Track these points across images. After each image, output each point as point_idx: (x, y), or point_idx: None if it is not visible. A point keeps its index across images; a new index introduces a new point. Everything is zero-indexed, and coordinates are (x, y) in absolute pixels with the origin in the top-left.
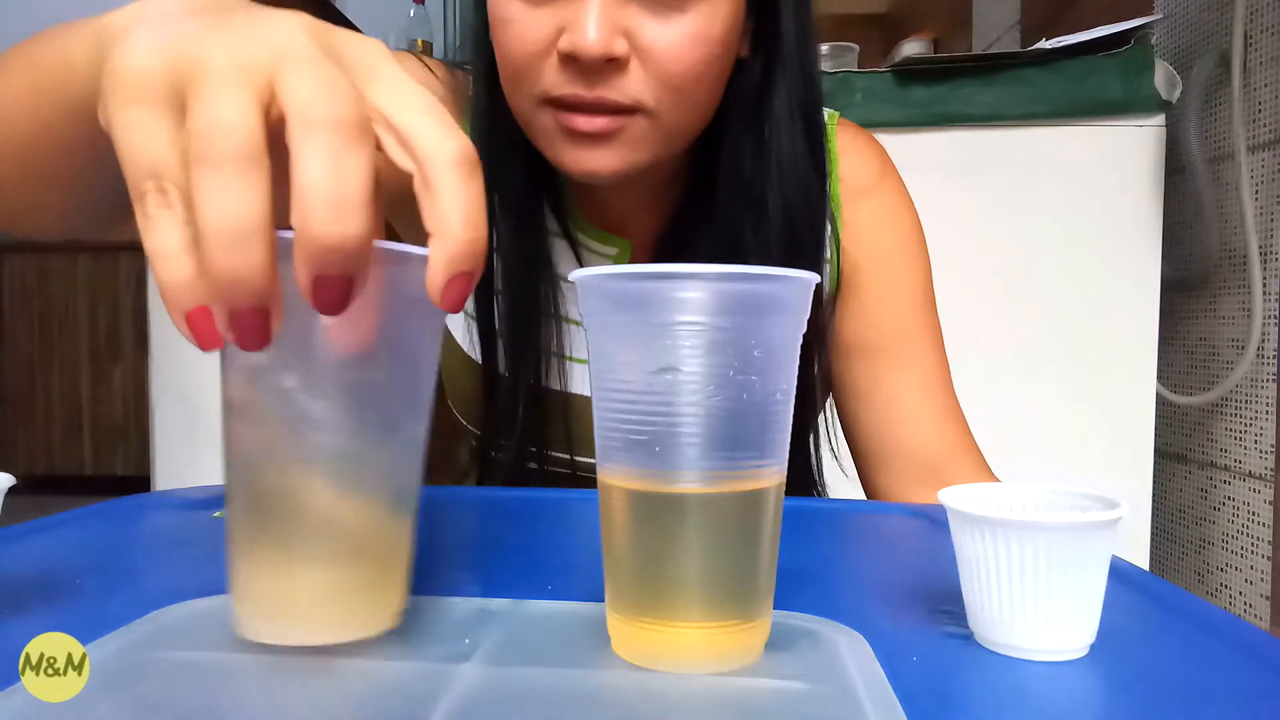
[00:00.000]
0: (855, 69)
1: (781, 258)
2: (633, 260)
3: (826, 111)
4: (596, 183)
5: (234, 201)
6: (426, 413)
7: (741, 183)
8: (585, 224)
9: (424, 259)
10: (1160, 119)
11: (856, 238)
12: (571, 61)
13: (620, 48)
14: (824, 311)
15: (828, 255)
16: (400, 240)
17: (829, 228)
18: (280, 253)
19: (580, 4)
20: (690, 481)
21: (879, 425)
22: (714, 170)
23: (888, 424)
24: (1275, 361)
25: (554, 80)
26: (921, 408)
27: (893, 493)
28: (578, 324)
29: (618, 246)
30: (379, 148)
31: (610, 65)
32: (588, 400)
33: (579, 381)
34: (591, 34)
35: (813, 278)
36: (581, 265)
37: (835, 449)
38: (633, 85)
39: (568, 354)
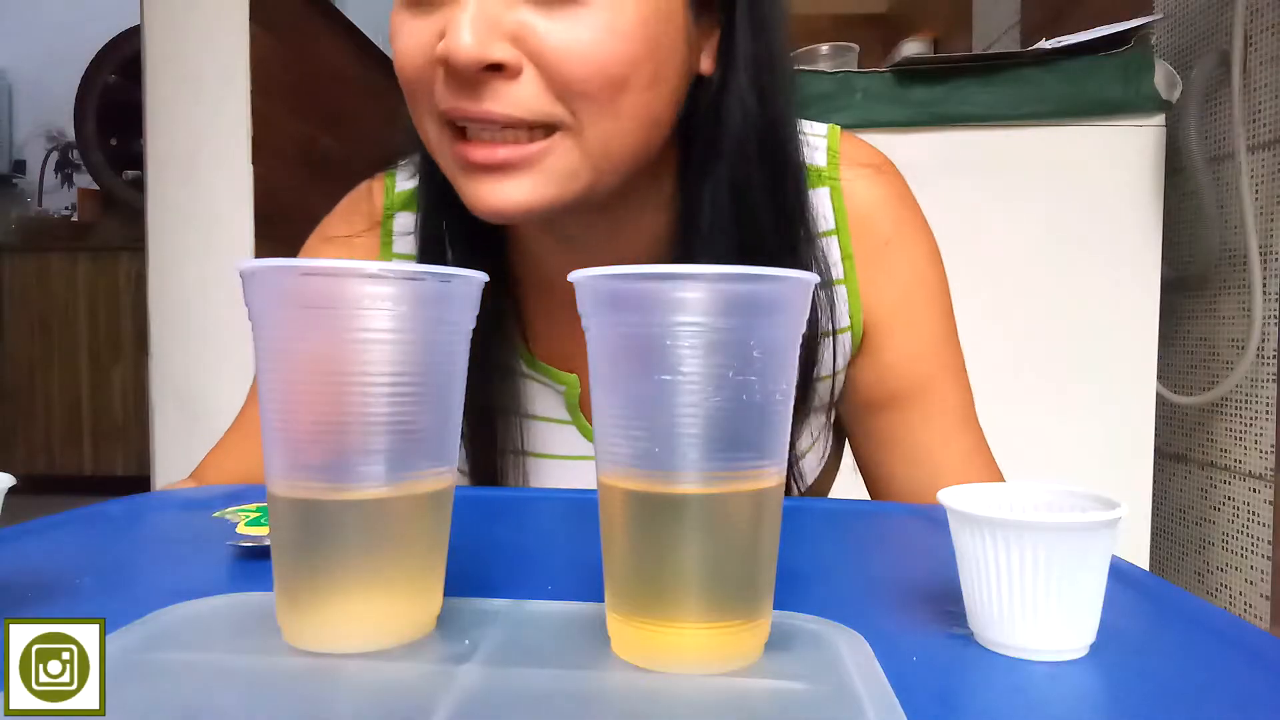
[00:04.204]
0: (855, 69)
1: None
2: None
3: (825, 126)
4: (502, 222)
5: None
6: (459, 423)
7: (703, 221)
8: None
9: (464, 279)
10: (1160, 119)
11: (877, 294)
12: (452, 71)
13: (503, 53)
14: (832, 368)
15: (846, 324)
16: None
17: (837, 291)
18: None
19: (455, 6)
20: (690, 482)
21: (906, 471)
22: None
23: (916, 469)
24: (1275, 361)
25: (440, 93)
26: (950, 451)
27: None
28: (544, 420)
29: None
30: None
31: (494, 74)
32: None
33: (545, 477)
34: (465, 37)
35: (812, 278)
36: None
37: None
38: (529, 97)
39: (530, 451)
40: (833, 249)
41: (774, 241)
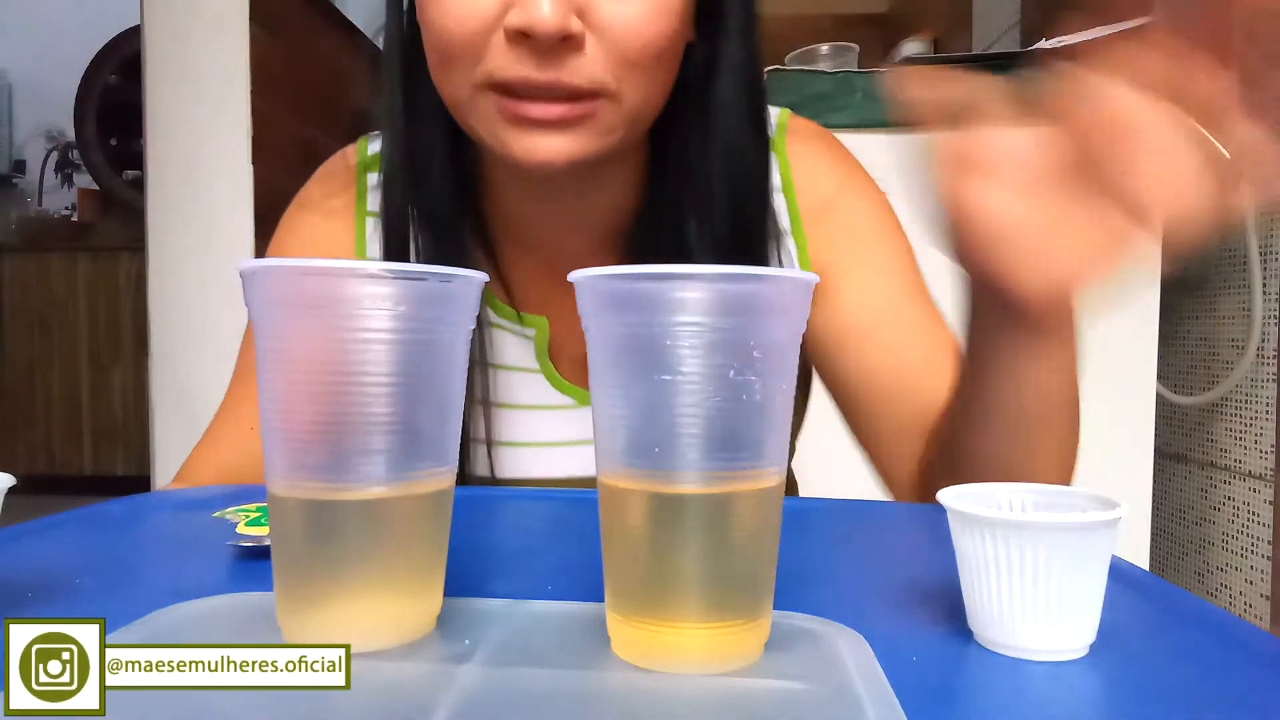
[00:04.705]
0: (855, 69)
1: (730, 252)
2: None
3: (776, 110)
4: (548, 173)
5: None
6: (460, 423)
7: (689, 174)
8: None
9: (465, 279)
10: None
11: (824, 247)
12: (523, 40)
13: (575, 25)
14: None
15: None
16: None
17: (789, 245)
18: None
19: None
20: (690, 482)
21: (897, 400)
22: (658, 196)
23: (906, 398)
24: (1275, 361)
25: (501, 61)
26: (931, 368)
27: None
28: (512, 369)
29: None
30: None
31: (565, 45)
32: (538, 484)
33: (513, 429)
34: (546, 9)
35: (812, 278)
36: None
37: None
38: (590, 66)
39: (497, 401)
40: (780, 205)
41: (756, 195)
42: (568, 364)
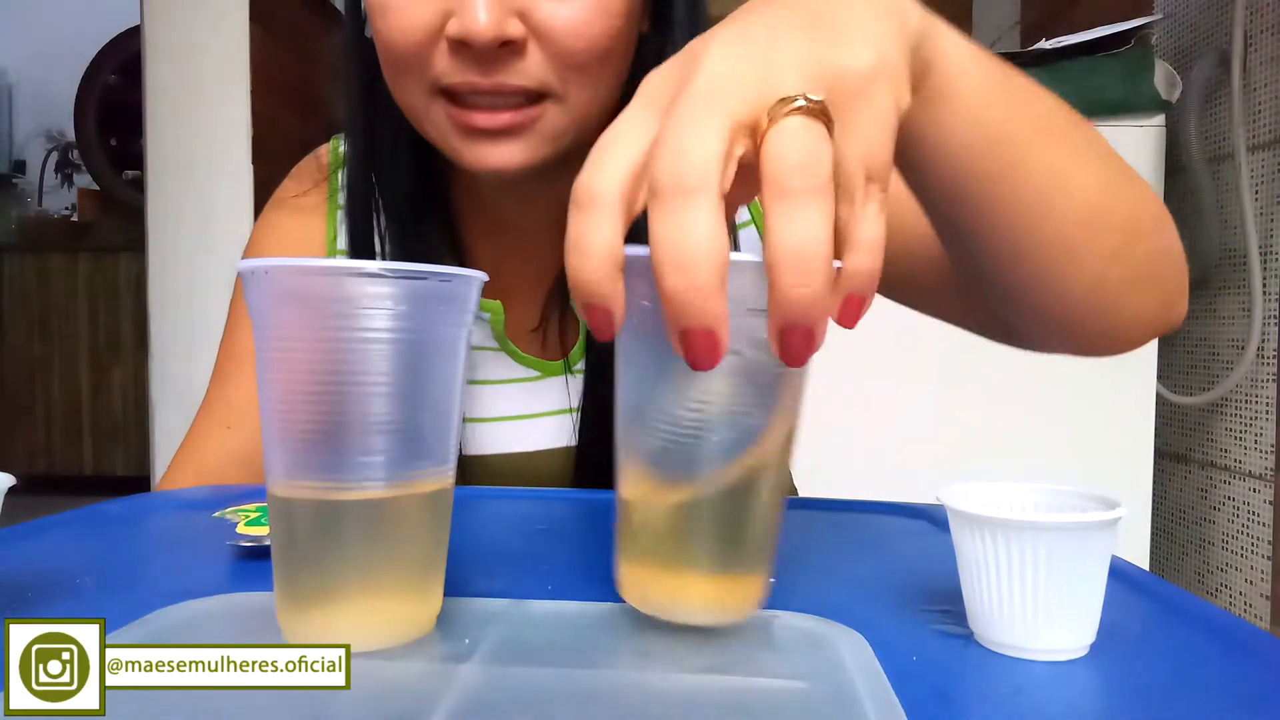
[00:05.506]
0: None
1: None
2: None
3: None
4: (501, 179)
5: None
6: (459, 423)
7: None
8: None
9: (464, 279)
10: (1160, 119)
11: None
12: (463, 48)
13: (514, 29)
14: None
15: (746, 219)
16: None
17: (752, 234)
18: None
19: None
20: (709, 461)
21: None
22: None
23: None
24: (1275, 361)
25: (444, 68)
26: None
27: None
28: (475, 348)
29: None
30: None
31: (506, 49)
32: (506, 459)
33: (480, 405)
34: (482, 16)
35: None
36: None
37: None
38: (533, 68)
39: (468, 415)
40: None
41: None
42: (526, 338)
